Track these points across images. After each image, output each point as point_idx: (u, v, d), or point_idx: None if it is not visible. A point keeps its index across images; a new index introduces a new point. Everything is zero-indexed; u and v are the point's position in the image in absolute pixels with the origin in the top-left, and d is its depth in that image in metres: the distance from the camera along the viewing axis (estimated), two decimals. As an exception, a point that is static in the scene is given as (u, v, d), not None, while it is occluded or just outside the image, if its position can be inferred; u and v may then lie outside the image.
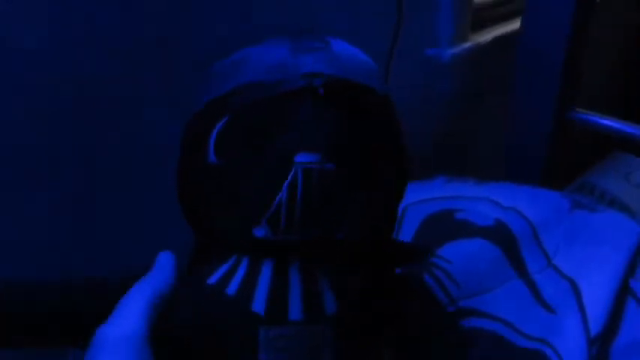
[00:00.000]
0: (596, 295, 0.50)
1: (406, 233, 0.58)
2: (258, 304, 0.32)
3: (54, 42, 0.48)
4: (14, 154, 0.49)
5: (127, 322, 0.29)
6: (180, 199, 0.37)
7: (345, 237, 0.32)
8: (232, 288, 0.32)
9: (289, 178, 0.30)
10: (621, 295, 0.51)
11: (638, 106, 1.26)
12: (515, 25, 0.88)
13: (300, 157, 0.30)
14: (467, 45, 0.85)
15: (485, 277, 0.52)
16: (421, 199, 0.62)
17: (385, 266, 0.37)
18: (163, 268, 0.34)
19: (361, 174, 0.33)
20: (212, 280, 0.33)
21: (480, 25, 0.90)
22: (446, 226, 0.58)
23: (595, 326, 0.47)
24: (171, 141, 0.57)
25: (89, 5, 0.49)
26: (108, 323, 0.29)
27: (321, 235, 0.32)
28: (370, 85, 0.34)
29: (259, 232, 0.31)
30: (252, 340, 0.31)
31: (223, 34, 0.57)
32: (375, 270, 0.36)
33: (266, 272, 0.32)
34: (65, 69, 0.49)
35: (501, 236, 0.56)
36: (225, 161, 0.32)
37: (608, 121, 0.79)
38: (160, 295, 0.31)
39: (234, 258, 0.33)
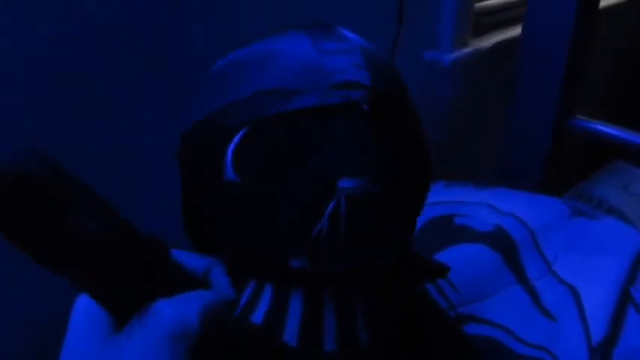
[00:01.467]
0: (597, 302, 0.50)
1: (405, 238, 0.57)
2: (290, 334, 0.29)
3: (51, 41, 0.47)
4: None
5: (190, 316, 0.26)
6: (186, 218, 0.33)
7: (385, 262, 0.29)
8: (258, 316, 0.30)
9: (331, 206, 0.26)
10: (622, 303, 0.50)
11: None
12: (516, 31, 0.88)
13: (344, 183, 0.26)
14: (467, 50, 0.84)
15: (485, 283, 0.51)
16: (420, 204, 0.62)
17: (406, 284, 0.35)
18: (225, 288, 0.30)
19: (402, 196, 0.30)
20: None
21: (480, 30, 0.89)
22: (445, 231, 0.57)
23: (597, 334, 0.47)
24: (167, 142, 0.57)
25: (88, 4, 0.49)
26: (169, 306, 0.26)
27: (363, 264, 0.29)
28: (404, 95, 0.31)
29: (296, 263, 0.28)
30: None
31: (222, 33, 0.57)
32: (398, 290, 0.34)
33: (296, 301, 0.30)
34: (61, 69, 0.49)
35: (501, 242, 0.55)
36: (247, 179, 0.28)
37: (608, 129, 0.79)
38: (219, 309, 0.27)
39: (254, 284, 0.31)
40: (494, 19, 0.92)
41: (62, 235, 0.22)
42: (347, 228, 0.27)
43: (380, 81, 0.28)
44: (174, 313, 0.25)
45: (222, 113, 0.29)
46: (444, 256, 0.53)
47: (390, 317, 0.32)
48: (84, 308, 0.27)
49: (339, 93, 0.27)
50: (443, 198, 0.64)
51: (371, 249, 0.28)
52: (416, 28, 0.77)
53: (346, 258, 0.28)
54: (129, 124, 0.55)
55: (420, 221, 0.58)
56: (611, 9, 1.11)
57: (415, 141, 0.31)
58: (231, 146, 0.28)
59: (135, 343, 0.24)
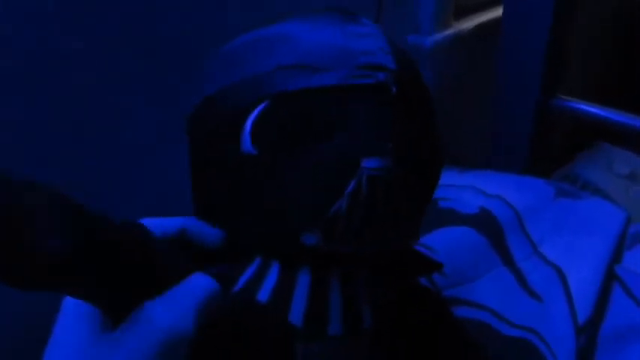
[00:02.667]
0: (583, 282, 0.50)
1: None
2: (296, 315, 0.29)
3: (47, 41, 0.46)
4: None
5: (179, 316, 0.25)
6: (196, 191, 0.32)
7: (397, 248, 0.29)
8: (263, 295, 0.29)
9: (352, 184, 0.26)
10: (607, 282, 0.50)
11: (632, 95, 1.26)
12: (497, 12, 0.88)
13: (368, 162, 0.26)
14: (449, 32, 0.84)
15: (471, 265, 0.51)
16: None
17: (405, 274, 0.34)
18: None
19: (420, 180, 0.30)
20: (237, 286, 0.29)
21: (462, 12, 0.88)
22: (430, 214, 0.57)
23: (582, 314, 0.46)
24: (158, 140, 0.56)
25: (81, 3, 0.48)
26: (159, 307, 0.24)
27: (377, 247, 0.28)
28: (423, 82, 0.31)
29: (309, 239, 0.27)
30: (288, 354, 0.28)
31: (214, 29, 0.56)
32: (398, 277, 0.33)
33: (303, 281, 0.29)
34: (52, 65, 0.48)
35: (486, 224, 0.55)
36: (265, 153, 0.27)
37: (591, 108, 0.78)
38: (210, 299, 0.26)
39: (259, 261, 0.30)
40: (476, 1, 0.91)
41: (20, 253, 0.20)
42: (366, 209, 0.26)
43: (404, 66, 0.29)
44: (167, 318, 0.24)
45: (240, 86, 0.28)
46: (430, 239, 0.53)
47: (393, 302, 0.32)
48: (74, 302, 0.25)
49: (367, 73, 0.27)
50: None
51: (387, 233, 0.28)
52: (396, 11, 0.76)
53: (361, 239, 0.27)
54: (122, 120, 0.54)
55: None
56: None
57: (433, 126, 0.31)
58: (251, 118, 0.27)
59: (127, 351, 0.23)
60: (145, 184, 0.58)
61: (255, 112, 0.27)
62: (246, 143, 0.28)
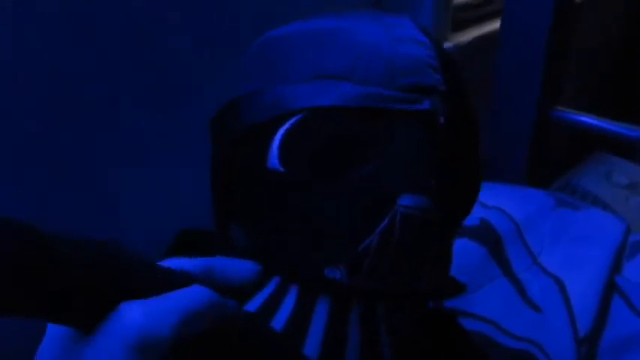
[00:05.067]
0: (583, 293, 0.50)
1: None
2: (311, 347, 0.26)
3: (37, 40, 0.47)
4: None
5: (159, 324, 0.21)
6: (215, 199, 0.30)
7: (426, 288, 0.26)
8: (279, 322, 0.27)
9: (385, 221, 0.24)
10: (607, 293, 0.50)
11: (630, 106, 1.27)
12: (495, 25, 0.88)
13: (405, 200, 0.24)
14: (447, 45, 0.84)
15: (471, 277, 0.51)
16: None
17: (426, 301, 0.32)
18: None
19: (455, 221, 0.28)
20: (251, 306, 0.27)
21: (460, 25, 0.89)
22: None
23: (583, 325, 0.47)
24: (152, 140, 0.56)
25: (79, 6, 0.48)
26: (135, 305, 0.22)
27: (404, 287, 0.26)
28: (470, 101, 0.28)
29: (333, 273, 0.25)
30: None
31: (213, 34, 0.57)
32: (418, 306, 0.31)
33: (322, 311, 0.26)
34: (47, 66, 0.48)
35: (486, 236, 0.55)
36: (293, 172, 0.25)
37: (589, 119, 0.79)
38: (202, 310, 0.23)
39: (277, 282, 0.27)
40: (474, 14, 0.92)
41: None
42: (396, 249, 0.24)
43: (454, 87, 0.26)
44: (139, 318, 0.21)
45: (273, 93, 0.26)
46: (430, 251, 0.53)
47: (412, 336, 0.30)
48: None
49: (414, 97, 0.24)
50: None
51: (415, 275, 0.26)
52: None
53: (387, 279, 0.25)
54: (122, 126, 0.54)
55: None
56: (589, 1, 1.12)
57: (477, 158, 0.28)
58: (280, 132, 0.25)
59: (95, 350, 0.21)
60: (148, 193, 0.58)
61: (287, 126, 0.25)
62: (274, 159, 0.25)
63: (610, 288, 0.51)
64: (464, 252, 0.53)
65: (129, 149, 0.55)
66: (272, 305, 0.27)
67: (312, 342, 0.27)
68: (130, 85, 0.53)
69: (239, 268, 0.26)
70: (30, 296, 0.20)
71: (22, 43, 0.46)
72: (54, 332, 0.23)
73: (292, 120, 0.25)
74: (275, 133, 0.25)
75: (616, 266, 0.54)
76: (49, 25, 0.47)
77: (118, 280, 0.22)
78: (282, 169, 0.25)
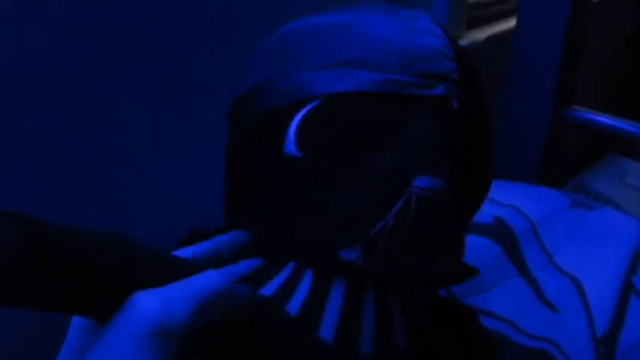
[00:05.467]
0: (600, 293, 0.49)
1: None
2: (327, 330, 0.27)
3: (42, 39, 0.46)
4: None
5: (171, 304, 0.22)
6: (229, 189, 0.30)
7: (439, 271, 0.27)
8: (294, 306, 0.27)
9: (400, 202, 0.24)
10: (624, 293, 0.50)
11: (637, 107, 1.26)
12: (510, 23, 0.88)
13: (420, 182, 0.24)
14: (462, 43, 0.84)
15: (486, 275, 0.50)
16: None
17: (437, 285, 0.32)
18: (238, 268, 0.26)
19: (470, 203, 0.28)
20: (266, 291, 0.27)
21: (474, 23, 0.89)
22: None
23: (601, 325, 0.46)
24: (161, 138, 0.56)
25: (82, 4, 0.48)
26: (150, 294, 0.22)
27: (417, 269, 0.26)
28: (484, 92, 0.28)
29: (348, 255, 0.25)
30: None
31: (218, 33, 0.56)
32: (430, 290, 0.31)
33: (336, 295, 0.27)
34: (56, 70, 0.48)
35: (501, 234, 0.54)
36: (309, 157, 0.25)
37: (604, 119, 0.78)
38: (217, 297, 0.23)
39: (292, 267, 0.28)
40: (488, 12, 0.91)
41: None
42: (411, 230, 0.24)
43: (468, 76, 0.26)
44: (154, 306, 0.21)
45: (290, 80, 0.26)
46: (444, 249, 0.52)
47: (425, 319, 0.30)
48: None
49: (429, 82, 0.25)
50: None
51: (430, 257, 0.26)
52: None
53: (401, 261, 0.25)
54: (124, 125, 0.54)
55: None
56: (607, 1, 1.11)
57: (489, 143, 0.29)
58: (298, 118, 0.25)
59: (109, 342, 0.21)
60: (151, 193, 0.58)
61: (304, 112, 0.25)
62: (290, 144, 0.26)
63: (627, 288, 0.50)
64: (479, 250, 0.53)
65: (135, 149, 0.55)
66: (287, 290, 0.28)
67: (327, 325, 0.27)
68: (136, 84, 0.53)
69: (237, 237, 0.27)
70: (34, 285, 0.20)
71: (24, 42, 0.46)
72: (76, 324, 0.23)
73: (309, 106, 0.25)
74: (292, 119, 0.26)
75: (633, 267, 0.53)
76: (53, 25, 0.47)
77: (128, 268, 0.22)
78: (298, 154, 0.25)
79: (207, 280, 0.23)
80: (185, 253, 0.27)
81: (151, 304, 0.21)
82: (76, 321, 0.23)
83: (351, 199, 0.25)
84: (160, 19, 0.53)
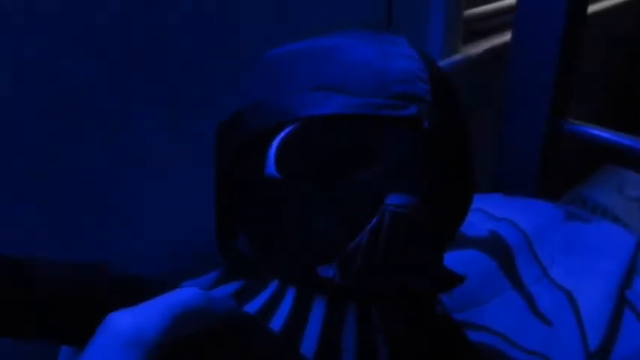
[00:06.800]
0: (594, 307, 0.49)
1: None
2: (308, 346, 0.27)
3: (40, 47, 0.47)
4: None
5: (145, 320, 0.22)
6: (218, 209, 0.32)
7: (418, 286, 0.28)
8: (277, 323, 0.28)
9: (374, 221, 0.25)
10: (618, 307, 0.50)
11: (634, 118, 1.26)
12: (506, 37, 0.89)
13: (393, 199, 0.25)
14: (458, 57, 0.85)
15: (480, 289, 0.51)
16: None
17: (421, 295, 0.33)
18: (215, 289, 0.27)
19: (446, 220, 0.29)
20: (251, 307, 0.28)
21: (471, 37, 0.89)
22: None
23: (594, 340, 0.46)
24: (162, 149, 0.57)
25: (84, 10, 0.48)
26: (123, 313, 0.23)
27: (394, 288, 0.27)
28: (462, 117, 0.29)
29: (326, 272, 0.26)
30: None
31: (220, 42, 0.57)
32: (413, 302, 0.32)
33: (318, 311, 0.28)
34: (57, 77, 0.48)
35: (496, 247, 0.55)
36: (289, 178, 0.26)
37: (600, 132, 0.79)
38: (194, 310, 0.24)
39: (276, 285, 0.29)
40: (484, 26, 0.92)
41: None
42: (386, 247, 0.25)
43: (441, 99, 0.27)
44: (131, 319, 0.22)
45: (272, 103, 0.27)
46: (439, 263, 0.53)
47: (408, 333, 0.31)
48: None
49: (401, 104, 0.26)
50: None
51: (405, 272, 0.27)
52: (405, 35, 0.77)
53: (377, 278, 0.26)
54: (127, 134, 0.54)
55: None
56: (600, 14, 1.12)
57: (466, 164, 0.30)
58: (277, 140, 0.26)
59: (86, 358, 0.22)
60: (158, 205, 0.58)
61: (283, 134, 0.26)
62: (271, 165, 0.27)
63: (621, 302, 0.51)
64: (473, 263, 0.53)
65: (138, 160, 0.56)
66: (270, 307, 0.29)
67: (309, 341, 0.28)
68: (140, 94, 0.54)
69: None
70: (10, 317, 0.20)
71: (28, 51, 0.46)
72: (63, 352, 0.24)
73: (288, 129, 0.26)
74: (272, 142, 0.27)
75: (627, 280, 0.53)
76: (57, 33, 0.47)
77: (106, 296, 0.23)
78: (278, 175, 0.27)
79: (183, 293, 0.24)
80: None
81: (122, 319, 0.22)
82: (64, 350, 0.24)
83: (328, 219, 0.26)
84: (161, 32, 0.54)
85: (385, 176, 0.25)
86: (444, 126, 0.27)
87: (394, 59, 0.27)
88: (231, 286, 0.29)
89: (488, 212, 0.60)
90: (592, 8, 1.07)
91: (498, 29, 0.94)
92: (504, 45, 0.87)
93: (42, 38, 0.46)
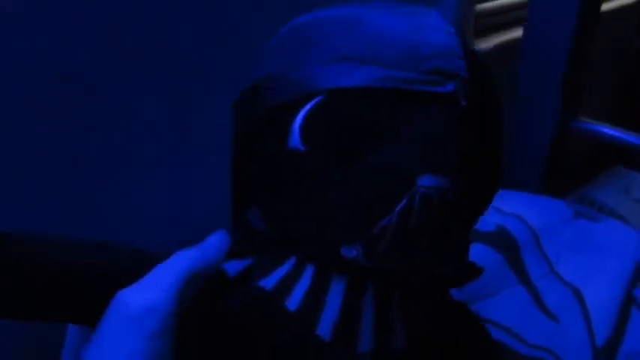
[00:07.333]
0: (601, 304, 0.49)
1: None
2: (324, 327, 0.26)
3: (42, 38, 0.47)
4: None
5: (154, 294, 0.23)
6: (235, 183, 0.31)
7: (444, 273, 0.27)
8: (294, 301, 0.27)
9: (404, 201, 0.24)
10: (626, 305, 0.50)
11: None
12: (517, 32, 0.88)
13: (425, 180, 0.24)
14: (469, 51, 0.84)
15: (487, 283, 0.50)
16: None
17: (442, 285, 0.31)
18: (210, 248, 0.27)
19: (476, 204, 0.28)
20: (267, 283, 0.27)
21: (482, 32, 0.89)
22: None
23: (601, 337, 0.46)
24: (165, 140, 0.57)
25: (85, 3, 0.48)
26: (132, 290, 0.24)
27: (421, 270, 0.26)
28: (498, 95, 0.27)
29: (349, 252, 0.25)
30: None
31: (224, 34, 0.57)
32: (434, 290, 0.31)
33: (336, 291, 0.27)
34: (54, 65, 0.48)
35: (503, 242, 0.54)
36: (314, 152, 0.25)
37: (611, 131, 0.78)
38: (198, 273, 0.25)
39: (294, 261, 0.28)
40: (496, 21, 0.91)
41: None
42: (414, 230, 0.24)
43: (479, 75, 0.26)
44: (138, 295, 0.23)
45: (295, 75, 0.26)
46: (445, 255, 0.52)
47: (426, 320, 0.30)
48: None
49: (436, 79, 0.24)
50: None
51: (433, 257, 0.25)
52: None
53: (404, 261, 0.25)
54: (127, 123, 0.54)
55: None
56: (613, 12, 1.11)
57: (499, 145, 0.28)
58: (303, 112, 0.25)
59: (101, 335, 0.23)
60: (161, 195, 0.58)
61: (308, 107, 0.25)
62: (294, 139, 0.25)
63: (629, 300, 0.50)
64: (480, 257, 0.52)
65: (142, 151, 0.55)
66: (288, 284, 0.27)
67: (326, 322, 0.27)
68: (144, 86, 0.53)
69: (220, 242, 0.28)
70: (6, 297, 0.20)
71: (32, 40, 0.46)
72: (72, 331, 0.25)
73: (314, 101, 0.25)
74: (296, 114, 0.25)
75: (635, 279, 0.53)
76: (60, 23, 0.47)
77: (111, 273, 0.24)
78: (302, 149, 0.25)
79: (181, 260, 0.25)
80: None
81: (132, 296, 0.23)
82: (72, 328, 0.25)
83: (354, 196, 0.25)
84: (165, 20, 0.53)
85: (416, 154, 0.24)
86: (481, 105, 0.25)
87: (428, 32, 0.26)
88: (243, 262, 0.28)
89: (496, 206, 0.60)
90: (605, 6, 1.06)
91: (510, 24, 0.93)
92: (516, 40, 0.87)
93: (41, 31, 0.46)
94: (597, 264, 0.54)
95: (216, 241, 0.27)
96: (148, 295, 0.23)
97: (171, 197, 0.58)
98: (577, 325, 0.47)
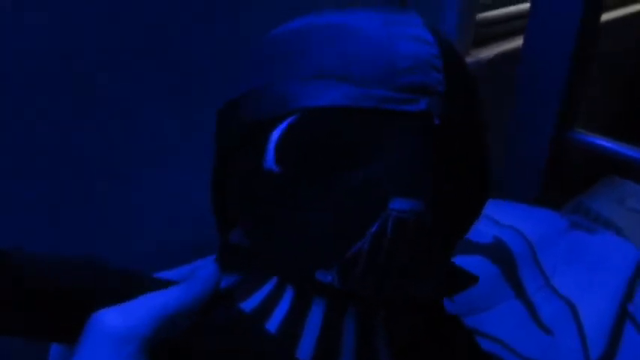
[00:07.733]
0: (595, 318, 0.49)
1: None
2: (305, 350, 0.26)
3: (49, 39, 0.47)
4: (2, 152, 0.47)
5: (135, 320, 0.23)
6: (215, 198, 0.31)
7: (421, 295, 0.26)
8: (273, 324, 0.26)
9: (377, 225, 0.23)
10: (620, 319, 0.50)
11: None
12: (517, 42, 0.88)
13: (396, 204, 0.23)
14: (468, 61, 0.84)
15: (483, 295, 0.51)
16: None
17: (422, 306, 0.31)
18: (199, 281, 0.26)
19: (453, 227, 0.27)
20: (247, 305, 0.27)
21: (481, 41, 0.89)
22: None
23: (595, 350, 0.46)
24: (165, 141, 0.56)
25: (87, 4, 0.48)
26: (113, 312, 0.23)
27: (396, 294, 0.25)
28: (478, 109, 0.26)
29: (324, 277, 0.24)
30: None
31: (223, 33, 0.57)
32: (415, 311, 0.30)
33: (316, 313, 0.26)
34: (60, 66, 0.48)
35: (500, 254, 0.54)
36: (288, 173, 0.25)
37: (606, 142, 0.78)
38: (181, 310, 0.25)
39: (275, 281, 0.27)
40: (496, 31, 0.92)
41: None
42: (388, 255, 0.23)
43: (456, 90, 0.24)
44: (119, 318, 0.23)
45: (272, 90, 0.25)
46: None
47: (412, 337, 0.29)
48: None
49: (410, 97, 0.23)
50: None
51: (407, 280, 0.24)
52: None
53: (379, 285, 0.24)
54: (129, 123, 0.54)
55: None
56: (612, 23, 1.11)
57: (480, 163, 0.27)
58: (277, 132, 0.25)
59: (77, 356, 0.23)
60: (163, 196, 0.58)
61: (282, 126, 0.25)
62: (270, 159, 0.25)
63: (623, 314, 0.50)
64: (476, 270, 0.52)
65: (145, 151, 0.55)
66: (268, 305, 0.27)
67: (306, 345, 0.26)
68: (140, 84, 0.53)
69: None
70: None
71: (32, 41, 0.46)
72: (54, 351, 0.25)
73: (288, 120, 0.25)
74: (271, 133, 0.25)
75: (629, 293, 0.53)
76: (61, 23, 0.47)
77: (93, 292, 0.24)
78: (277, 169, 0.25)
79: (171, 295, 0.25)
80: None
81: (111, 318, 0.23)
82: (55, 348, 0.25)
83: (327, 219, 0.24)
84: (165, 20, 0.53)
85: (389, 176, 0.23)
86: (460, 121, 0.25)
87: (405, 42, 0.25)
88: (226, 280, 0.28)
89: (493, 218, 0.60)
90: (604, 17, 1.06)
91: (510, 34, 0.93)
92: (515, 50, 0.87)
93: (42, 31, 0.46)
94: (592, 278, 0.54)
95: (205, 277, 0.26)
96: (130, 320, 0.23)
97: (172, 197, 0.58)
98: (571, 338, 0.47)
